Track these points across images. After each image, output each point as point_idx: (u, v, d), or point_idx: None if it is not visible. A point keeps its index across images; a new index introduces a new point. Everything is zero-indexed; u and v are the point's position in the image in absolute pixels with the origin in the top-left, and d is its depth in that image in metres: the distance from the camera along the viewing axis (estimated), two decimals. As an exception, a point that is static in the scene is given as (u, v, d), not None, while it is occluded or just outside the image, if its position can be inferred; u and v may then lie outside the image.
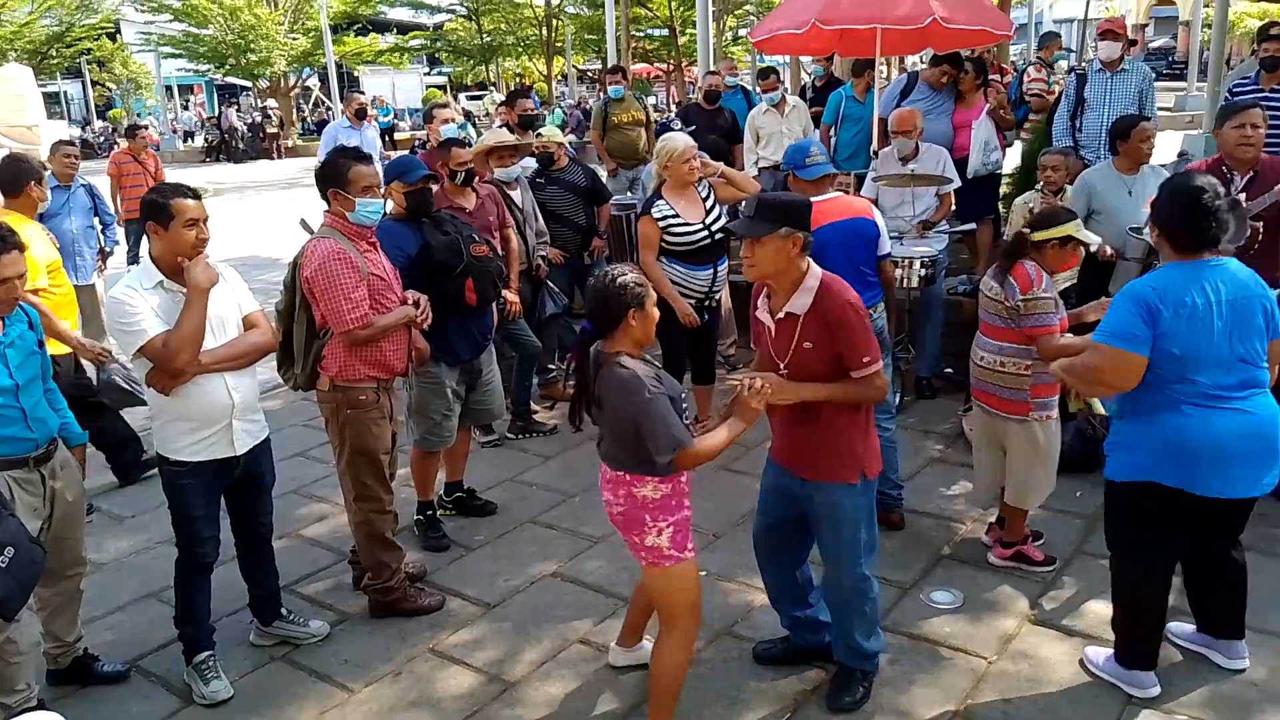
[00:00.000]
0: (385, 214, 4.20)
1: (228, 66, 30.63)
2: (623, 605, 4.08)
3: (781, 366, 3.17)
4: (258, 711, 3.53)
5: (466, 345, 4.51)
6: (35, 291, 4.53)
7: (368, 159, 3.93)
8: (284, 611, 3.96)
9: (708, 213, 5.17)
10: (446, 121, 6.36)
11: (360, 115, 10.79)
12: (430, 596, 4.15)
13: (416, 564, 4.39)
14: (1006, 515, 4.27)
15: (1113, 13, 29.57)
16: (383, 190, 3.97)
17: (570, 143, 9.72)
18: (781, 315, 3.14)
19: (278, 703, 3.58)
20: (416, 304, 4.00)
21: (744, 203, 3.15)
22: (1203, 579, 3.51)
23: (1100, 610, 3.84)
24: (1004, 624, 3.85)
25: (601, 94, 9.76)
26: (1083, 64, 7.46)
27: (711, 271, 5.25)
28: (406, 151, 14.27)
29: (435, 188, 4.55)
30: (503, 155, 5.69)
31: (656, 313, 3.01)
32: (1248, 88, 6.92)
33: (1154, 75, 7.45)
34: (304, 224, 4.31)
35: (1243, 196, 4.41)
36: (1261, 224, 4.33)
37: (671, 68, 33.66)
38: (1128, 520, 3.33)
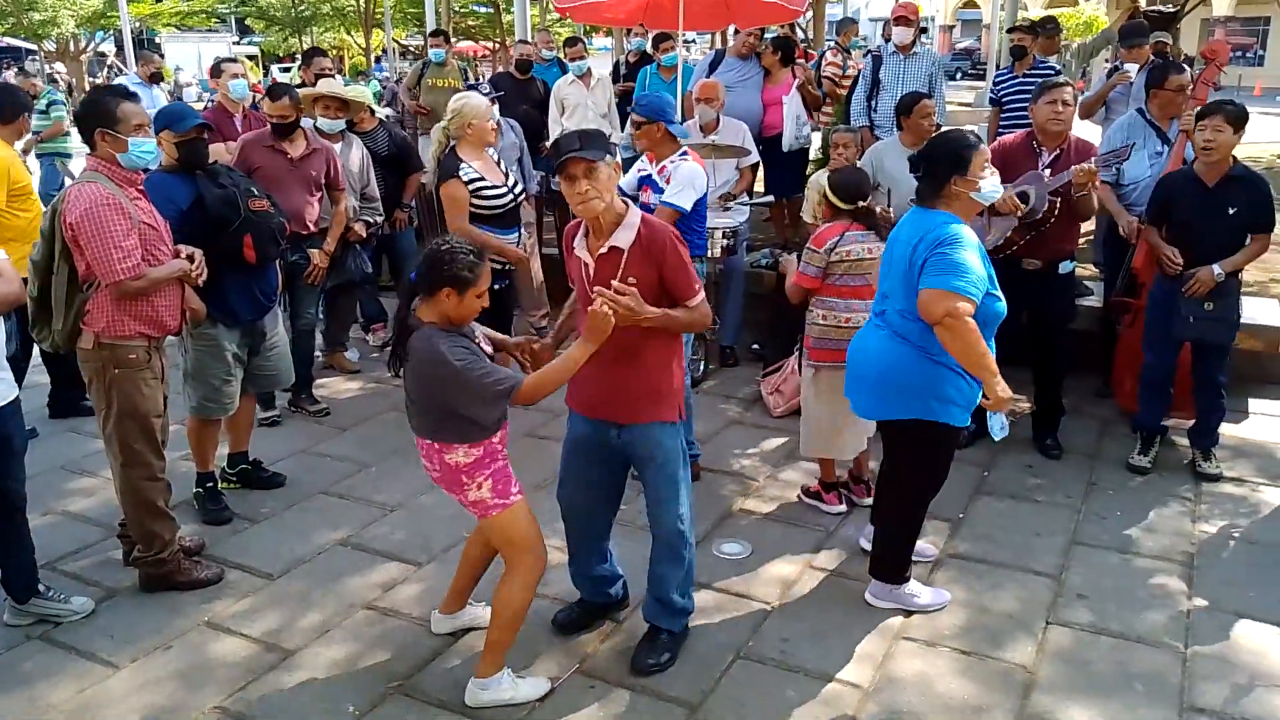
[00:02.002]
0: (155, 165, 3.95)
1: (8, 25, 28.13)
2: (414, 570, 4.01)
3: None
4: (8, 692, 3.27)
5: (247, 305, 4.29)
6: None
7: (135, 96, 3.68)
8: (42, 588, 3.67)
9: (505, 175, 5.11)
10: (235, 77, 6.03)
11: (155, 79, 10.10)
12: (207, 569, 3.94)
13: (193, 537, 4.16)
14: (825, 463, 4.52)
15: None
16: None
17: (388, 116, 9.43)
18: (604, 250, 3.10)
19: (31, 682, 3.32)
20: (190, 258, 3.78)
21: (558, 143, 3.09)
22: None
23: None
24: (787, 571, 4.00)
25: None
26: (877, 48, 7.82)
27: (517, 235, 5.20)
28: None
29: (212, 140, 4.31)
30: (329, 106, 5.48)
31: (477, 305, 2.94)
32: (1005, 76, 7.49)
33: (944, 60, 7.93)
34: (61, 166, 3.98)
35: (1047, 172, 4.68)
36: (1060, 199, 4.62)
37: (497, 46, 33.19)
38: None
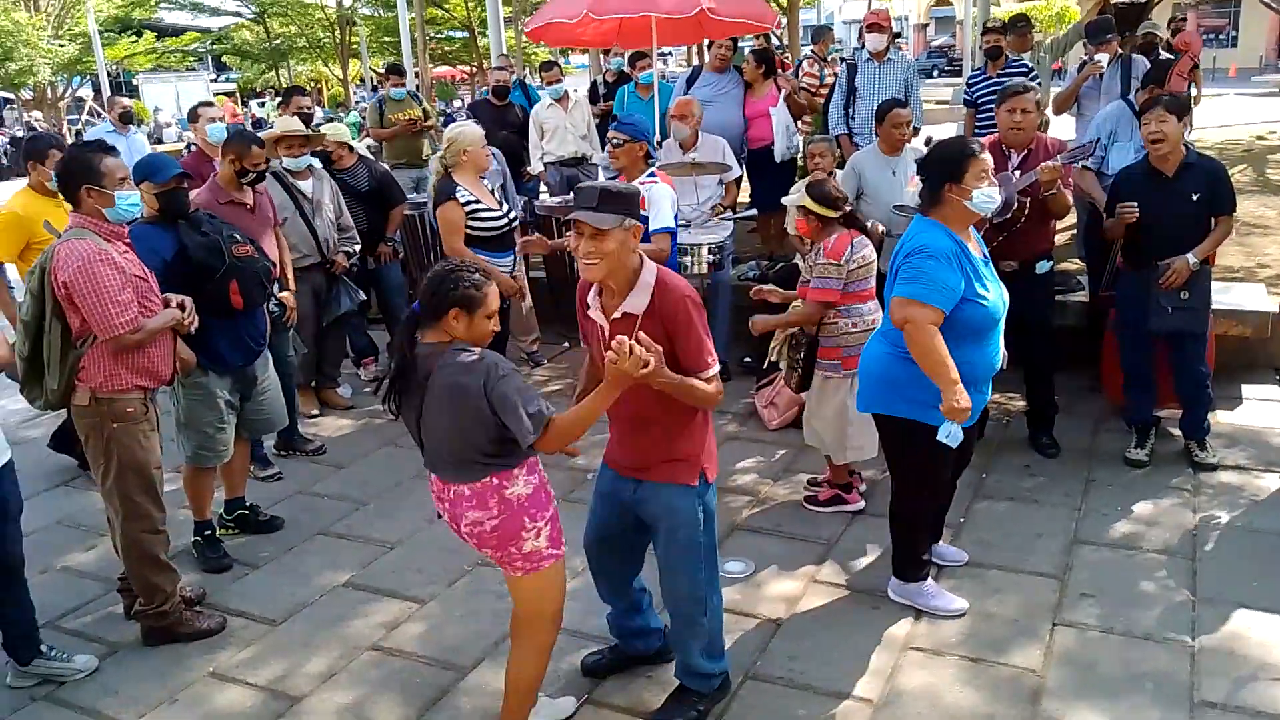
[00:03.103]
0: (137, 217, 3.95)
1: (-16, 76, 28.14)
2: (418, 607, 3.99)
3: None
4: (13, 758, 3.25)
5: (237, 352, 4.29)
6: None
7: (114, 150, 3.68)
8: (44, 648, 3.64)
9: (500, 201, 5.18)
10: (213, 121, 6.03)
11: (125, 120, 10.08)
12: (209, 619, 3.92)
13: (193, 586, 4.13)
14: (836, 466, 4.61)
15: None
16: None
17: (369, 147, 9.45)
18: (618, 315, 2.88)
19: (37, 746, 3.30)
20: (181, 306, 3.78)
21: (577, 191, 2.86)
22: None
23: (874, 565, 4.08)
24: (791, 587, 3.99)
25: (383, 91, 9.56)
26: (853, 55, 7.86)
27: (512, 258, 5.25)
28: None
29: (192, 187, 4.31)
30: (292, 144, 5.50)
31: (488, 327, 2.78)
32: (979, 78, 7.54)
33: (919, 63, 7.98)
34: (48, 226, 3.98)
35: (1016, 173, 4.70)
36: (1029, 200, 4.64)
37: (474, 70, 33.30)
38: None
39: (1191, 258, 4.53)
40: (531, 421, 2.68)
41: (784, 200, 4.48)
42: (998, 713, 3.19)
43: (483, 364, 2.70)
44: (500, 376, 2.69)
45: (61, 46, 27.64)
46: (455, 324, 2.73)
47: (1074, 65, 7.83)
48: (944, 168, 3.42)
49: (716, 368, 2.90)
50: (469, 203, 5.01)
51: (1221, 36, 36.03)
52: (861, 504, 4.57)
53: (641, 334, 2.69)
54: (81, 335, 3.53)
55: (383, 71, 11.79)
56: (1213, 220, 4.61)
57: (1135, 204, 4.57)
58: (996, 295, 3.46)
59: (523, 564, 2.87)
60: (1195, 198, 4.55)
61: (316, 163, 6.13)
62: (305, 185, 5.67)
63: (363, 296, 6.09)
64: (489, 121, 7.64)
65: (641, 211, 3.80)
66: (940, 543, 4.06)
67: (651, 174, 4.65)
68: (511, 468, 2.80)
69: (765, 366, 5.08)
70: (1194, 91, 7.70)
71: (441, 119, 8.83)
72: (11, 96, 31.41)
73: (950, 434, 3.37)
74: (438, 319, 2.74)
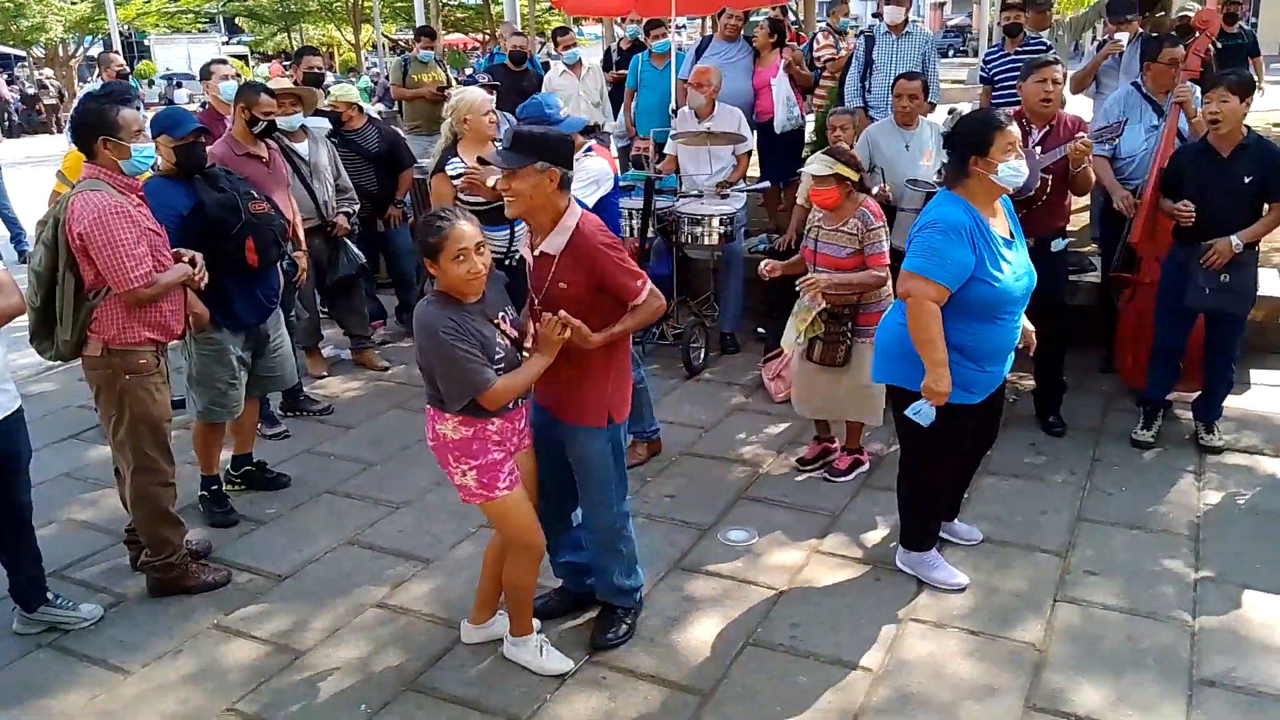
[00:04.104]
0: (153, 171, 3.94)
1: (-4, 33, 28.04)
2: (423, 567, 4.02)
3: (536, 302, 3.16)
4: (20, 702, 3.28)
5: (251, 309, 4.29)
6: None
7: (130, 101, 3.67)
8: (50, 596, 3.67)
9: None
10: (225, 78, 6.00)
11: (122, 78, 10.00)
12: (215, 572, 3.94)
13: (200, 541, 4.16)
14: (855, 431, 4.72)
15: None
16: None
17: (380, 112, 9.39)
18: (537, 253, 3.13)
19: (43, 691, 3.33)
20: (192, 262, 3.77)
21: (505, 133, 3.11)
22: None
23: (878, 537, 4.09)
24: (794, 556, 4.01)
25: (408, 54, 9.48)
26: (870, 27, 7.78)
27: (508, 231, 5.18)
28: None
29: (209, 141, 4.29)
30: (283, 103, 5.43)
31: (458, 269, 2.88)
32: (996, 55, 7.46)
33: (937, 38, 7.88)
34: (61, 177, 3.97)
35: (1038, 150, 4.65)
36: (1051, 176, 4.60)
37: (486, 39, 33.06)
38: None
39: (1235, 240, 4.45)
40: (455, 392, 2.92)
41: (807, 169, 4.39)
42: (999, 684, 3.20)
43: (430, 324, 2.89)
44: (436, 345, 2.87)
45: (73, 4, 27.50)
46: (434, 272, 2.92)
47: (1090, 46, 7.75)
48: (970, 140, 3.39)
49: (647, 287, 3.11)
50: (460, 174, 4.91)
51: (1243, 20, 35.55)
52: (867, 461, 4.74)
53: (562, 313, 2.96)
54: (95, 287, 3.53)
55: (411, 35, 11.67)
56: (1265, 206, 4.51)
57: (1193, 207, 4.53)
58: (1013, 275, 3.41)
59: (461, 491, 3.12)
60: (1248, 180, 4.47)
61: (319, 123, 6.10)
62: (301, 148, 5.61)
63: (362, 259, 6.03)
64: (504, 87, 7.61)
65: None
66: (955, 520, 4.06)
67: (589, 148, 4.59)
68: (444, 411, 3.01)
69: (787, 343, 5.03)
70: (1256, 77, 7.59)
71: (460, 82, 8.75)
72: (23, 54, 31.28)
73: (920, 412, 3.39)
74: (431, 270, 2.94)
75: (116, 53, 12.56)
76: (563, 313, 2.98)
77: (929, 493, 3.78)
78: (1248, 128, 4.55)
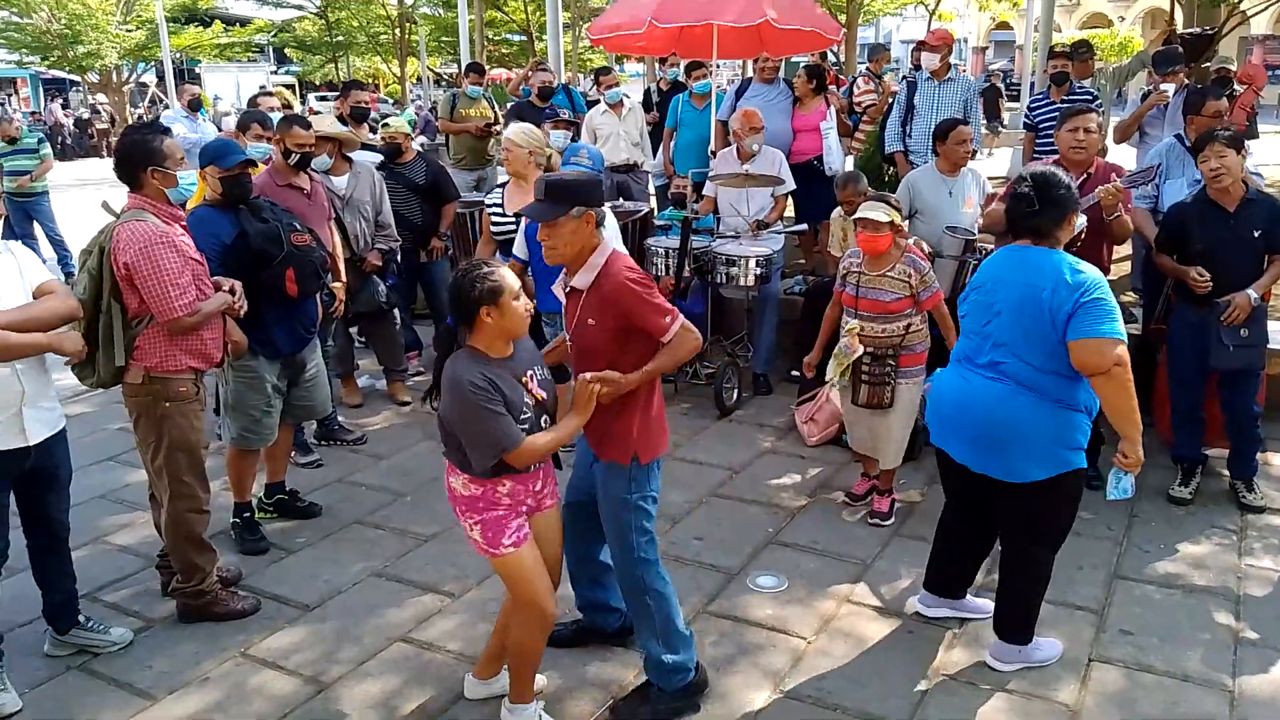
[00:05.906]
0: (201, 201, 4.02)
1: (53, 59, 28.73)
2: (450, 601, 4.01)
3: (568, 339, 3.19)
4: (48, 724, 3.30)
5: (288, 338, 4.35)
6: None
7: (169, 131, 3.75)
8: (82, 619, 3.71)
9: None
10: (271, 110, 6.12)
11: (194, 107, 10.28)
12: (244, 600, 3.96)
13: (231, 568, 4.19)
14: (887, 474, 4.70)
15: (948, 17, 31.68)
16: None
17: (422, 145, 9.52)
18: (567, 289, 3.15)
19: (70, 713, 3.35)
20: (231, 290, 3.83)
21: (535, 184, 3.08)
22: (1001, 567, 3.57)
23: (911, 588, 4.01)
24: (824, 605, 3.96)
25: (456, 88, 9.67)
26: (912, 72, 7.81)
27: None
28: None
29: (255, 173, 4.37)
30: (320, 144, 5.51)
31: (521, 307, 2.89)
32: (1041, 102, 7.45)
33: (979, 84, 7.88)
34: (106, 206, 4.04)
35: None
36: (1086, 220, 4.58)
37: (526, 75, 33.48)
38: None
39: (1253, 293, 4.44)
40: (481, 454, 2.85)
41: (862, 213, 4.38)
42: (1030, 745, 3.14)
43: (458, 382, 2.82)
44: (463, 403, 2.81)
45: (129, 32, 28.17)
46: (490, 320, 2.85)
47: (1134, 94, 7.72)
48: (1068, 199, 3.29)
49: (677, 323, 3.05)
50: (492, 205, 5.15)
51: (1287, 72, 35.33)
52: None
53: (593, 373, 2.98)
54: (138, 315, 3.59)
55: (459, 71, 11.92)
56: (1267, 258, 4.53)
57: (1210, 276, 4.49)
58: None
59: (472, 544, 3.06)
60: (1256, 234, 4.50)
61: (367, 156, 6.16)
62: (340, 181, 5.65)
63: (383, 298, 5.96)
64: (531, 122, 7.70)
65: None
66: (969, 595, 3.85)
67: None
68: (458, 467, 2.97)
69: (825, 385, 5.04)
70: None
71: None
72: (77, 79, 32.07)
73: (1124, 488, 3.21)
74: (473, 324, 2.88)
75: (194, 83, 13.11)
76: (593, 373, 2.98)
77: (1049, 575, 3.50)
78: (1245, 183, 4.57)
